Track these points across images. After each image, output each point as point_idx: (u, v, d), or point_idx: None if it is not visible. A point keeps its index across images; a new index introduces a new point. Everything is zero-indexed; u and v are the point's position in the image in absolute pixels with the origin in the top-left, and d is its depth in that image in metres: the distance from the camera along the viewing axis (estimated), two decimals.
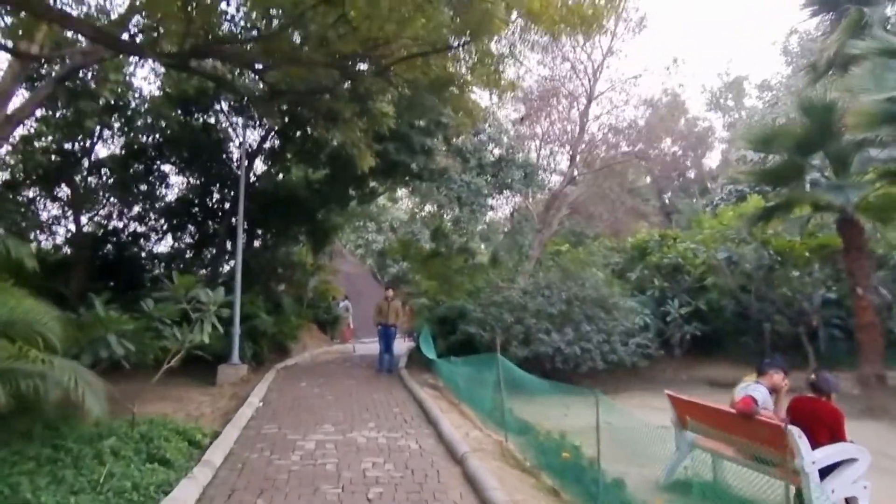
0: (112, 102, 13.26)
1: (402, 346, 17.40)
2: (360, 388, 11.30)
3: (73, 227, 15.83)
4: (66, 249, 16.72)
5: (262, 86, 10.10)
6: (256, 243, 17.67)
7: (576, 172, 15.30)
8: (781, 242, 13.55)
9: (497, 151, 13.02)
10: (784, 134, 10.75)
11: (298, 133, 15.72)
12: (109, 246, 16.86)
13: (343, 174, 15.12)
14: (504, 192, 13.91)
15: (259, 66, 8.19)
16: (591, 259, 16.33)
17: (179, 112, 15.34)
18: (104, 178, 15.43)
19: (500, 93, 9.39)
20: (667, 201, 39.18)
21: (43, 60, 10.21)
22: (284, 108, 14.96)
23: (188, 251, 17.62)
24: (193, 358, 13.71)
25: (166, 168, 16.76)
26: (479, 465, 5.72)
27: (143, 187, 16.62)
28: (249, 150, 14.16)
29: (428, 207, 19.21)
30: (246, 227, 16.13)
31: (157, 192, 16.98)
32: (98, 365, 6.94)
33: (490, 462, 6.14)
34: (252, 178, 15.16)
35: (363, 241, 36.12)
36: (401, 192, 32.95)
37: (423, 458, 6.44)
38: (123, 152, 15.71)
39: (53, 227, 15.76)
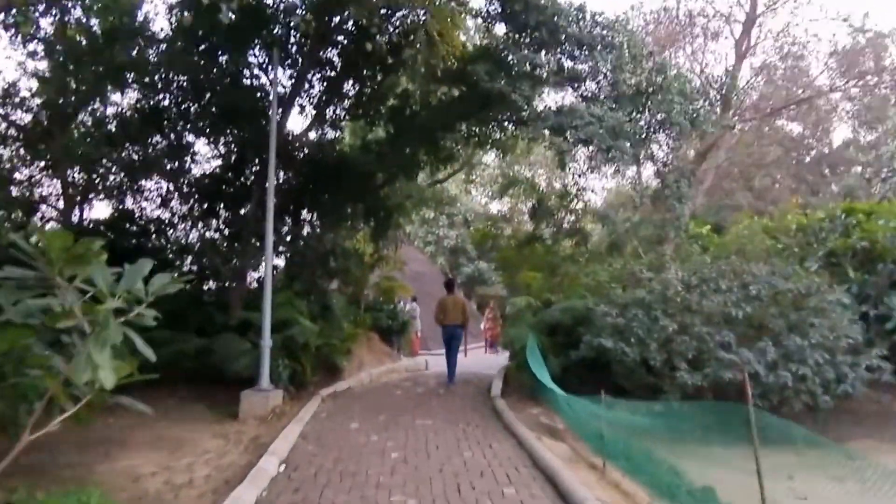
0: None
1: (491, 360, 13.47)
2: (440, 434, 7.41)
3: (76, 210, 12.89)
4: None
5: None
6: (305, 230, 14.15)
7: (733, 118, 10.72)
8: None
9: (635, 80, 8.84)
10: None
11: (350, 82, 12.10)
12: (125, 235, 13.75)
13: (409, 130, 11.37)
14: (655, 133, 9.61)
15: None
16: (751, 245, 11.83)
17: (201, 61, 12.03)
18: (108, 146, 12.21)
19: None
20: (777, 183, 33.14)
21: None
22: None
23: (224, 242, 14.31)
24: (215, 379, 10.28)
25: (189, 136, 13.49)
26: None
27: (163, 159, 13.40)
28: (283, 94, 10.58)
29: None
30: (284, 205, 12.61)
31: (182, 166, 13.72)
32: None
33: None
34: (290, 138, 11.58)
35: (434, 236, 32.37)
36: (480, 173, 29.03)
37: None
38: (134, 115, 12.53)
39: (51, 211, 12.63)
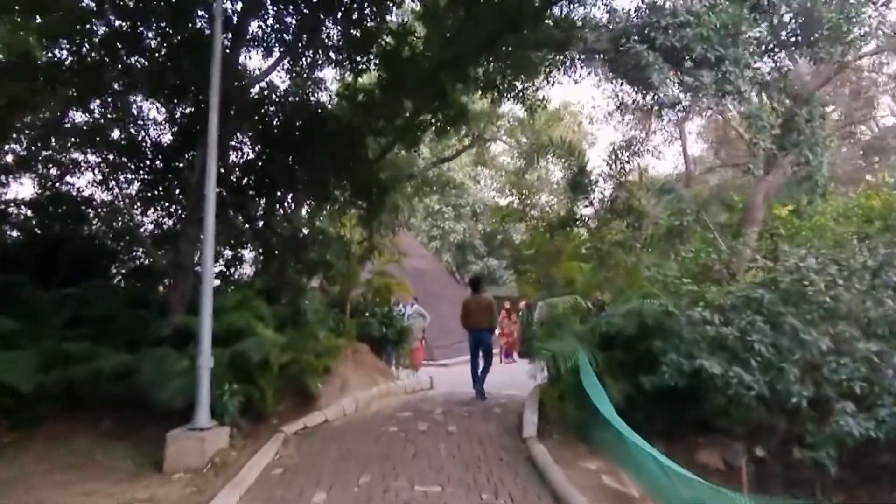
0: None
1: (510, 373, 10.65)
2: None
3: None
4: None
5: None
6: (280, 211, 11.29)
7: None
8: None
9: None
10: None
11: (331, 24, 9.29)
12: (53, 220, 11.05)
13: (408, 79, 8.55)
14: (782, 47, 6.68)
15: None
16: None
17: None
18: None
19: None
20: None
21: None
22: None
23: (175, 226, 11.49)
24: (142, 409, 7.33)
25: (133, 97, 10.75)
26: None
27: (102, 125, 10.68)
28: (232, 12, 7.76)
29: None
30: (250, 178, 9.82)
31: (125, 135, 11.00)
32: None
33: None
34: (245, 82, 8.76)
35: (439, 229, 29.39)
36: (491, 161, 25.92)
37: None
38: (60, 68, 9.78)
39: None
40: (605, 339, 7.04)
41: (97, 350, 7.98)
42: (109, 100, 10.89)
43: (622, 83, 7.30)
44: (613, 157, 8.65)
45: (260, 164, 10.14)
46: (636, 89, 6.84)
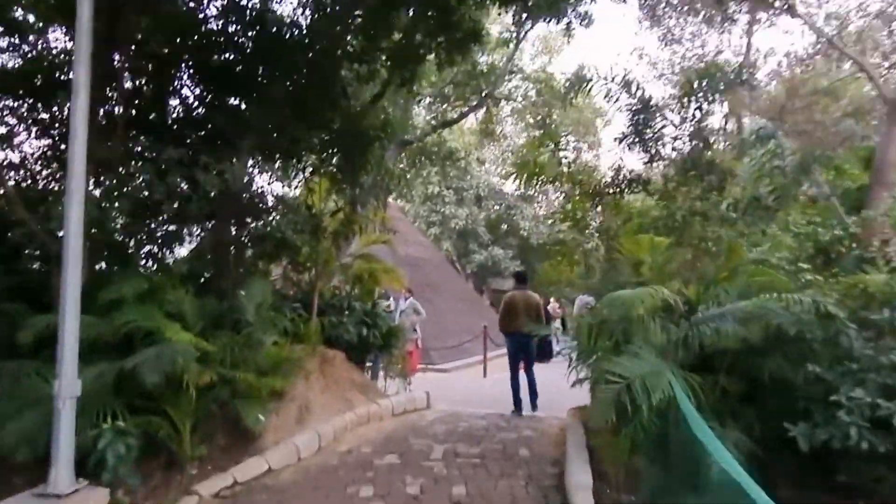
0: None
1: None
2: None
3: None
4: None
5: None
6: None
7: None
8: None
9: None
10: None
11: None
12: None
13: None
14: None
15: None
16: None
17: None
18: None
19: None
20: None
21: None
22: None
23: None
24: None
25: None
26: None
27: None
28: None
29: None
30: (184, 126, 7.24)
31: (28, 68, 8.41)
32: None
33: None
34: None
35: (438, 215, 26.71)
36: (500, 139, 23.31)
37: None
38: None
39: None
40: (703, 356, 4.49)
41: None
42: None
43: None
44: (690, 89, 6.07)
45: (202, 108, 7.56)
46: None
